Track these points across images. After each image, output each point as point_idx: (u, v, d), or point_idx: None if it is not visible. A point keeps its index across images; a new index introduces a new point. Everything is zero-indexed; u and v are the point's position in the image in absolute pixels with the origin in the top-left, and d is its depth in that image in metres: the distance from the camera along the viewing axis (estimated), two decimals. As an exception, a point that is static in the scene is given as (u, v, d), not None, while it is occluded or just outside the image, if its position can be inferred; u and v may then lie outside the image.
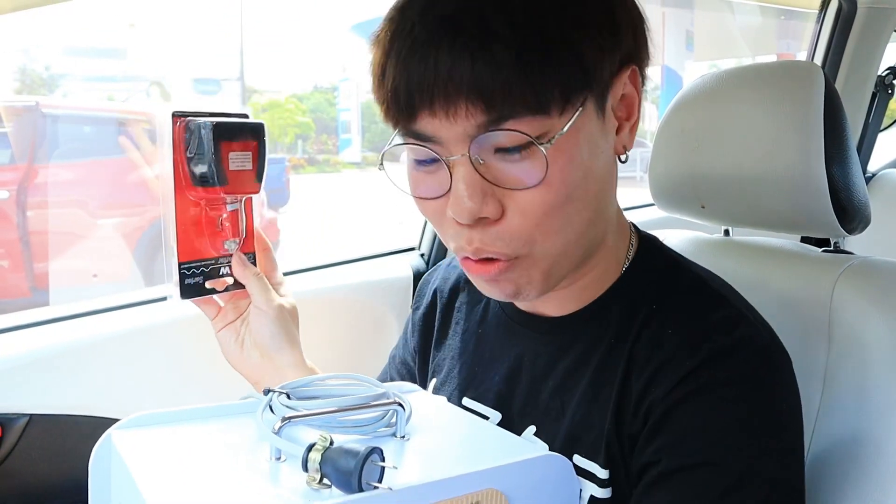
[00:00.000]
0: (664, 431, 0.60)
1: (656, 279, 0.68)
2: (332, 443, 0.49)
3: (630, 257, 0.70)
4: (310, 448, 0.49)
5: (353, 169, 9.91)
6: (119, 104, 5.29)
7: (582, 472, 0.63)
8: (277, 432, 0.53)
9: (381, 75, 0.58)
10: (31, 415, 0.91)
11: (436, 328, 0.83)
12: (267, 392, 0.59)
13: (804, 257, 0.85)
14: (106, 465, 0.59)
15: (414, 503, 0.50)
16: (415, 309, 0.88)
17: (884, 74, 1.67)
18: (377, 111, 0.61)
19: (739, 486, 0.57)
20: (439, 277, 0.86)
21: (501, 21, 0.54)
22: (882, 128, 1.70)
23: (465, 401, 0.75)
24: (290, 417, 0.53)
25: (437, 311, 0.84)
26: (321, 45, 10.90)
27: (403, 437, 0.59)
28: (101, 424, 0.61)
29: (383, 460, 0.49)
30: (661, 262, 0.70)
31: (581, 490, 0.62)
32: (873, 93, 1.66)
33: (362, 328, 1.14)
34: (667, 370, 0.61)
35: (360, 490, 0.47)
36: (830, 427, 0.73)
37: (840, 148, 0.78)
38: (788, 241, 0.93)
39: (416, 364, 0.85)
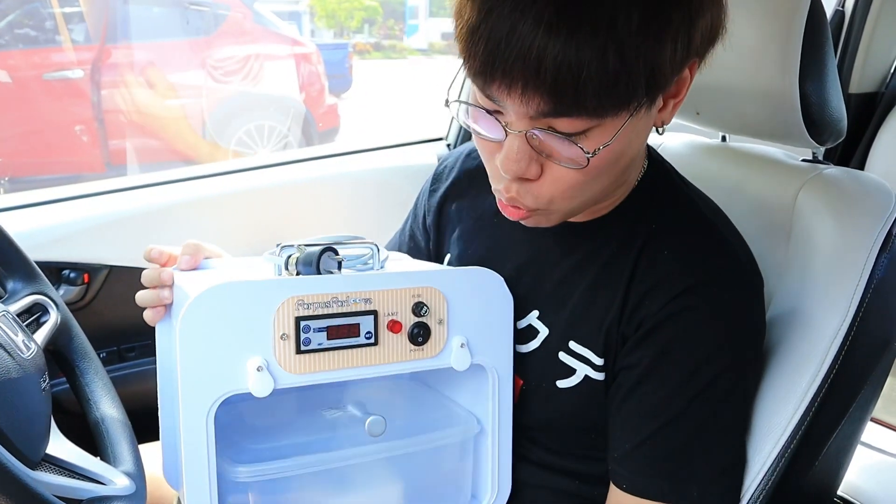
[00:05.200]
0: (650, 342, 0.71)
1: (657, 201, 0.76)
2: (305, 252, 0.67)
3: (639, 178, 0.77)
4: (288, 257, 0.68)
5: (419, 56, 9.76)
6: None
7: (577, 356, 0.76)
8: (277, 255, 0.70)
9: (474, 31, 0.59)
10: (112, 266, 1.09)
11: (451, 212, 0.94)
12: (278, 245, 0.74)
13: (782, 165, 0.94)
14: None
15: (361, 287, 0.67)
16: (432, 190, 0.97)
17: None
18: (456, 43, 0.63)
19: (704, 387, 0.69)
20: (458, 166, 0.95)
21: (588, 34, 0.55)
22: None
23: None
24: (286, 245, 0.70)
25: (455, 198, 0.94)
26: (389, -75, 10.53)
27: (378, 270, 0.74)
28: (170, 277, 0.78)
29: (337, 255, 0.67)
30: (665, 184, 0.78)
31: (576, 370, 0.76)
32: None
33: (388, 208, 1.27)
34: (661, 287, 0.71)
35: (319, 274, 0.66)
36: (776, 315, 0.84)
37: (817, 65, 0.84)
38: (779, 149, 1.00)
39: (432, 239, 0.97)
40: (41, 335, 0.79)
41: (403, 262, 0.85)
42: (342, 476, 0.72)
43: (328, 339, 0.66)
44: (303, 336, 0.65)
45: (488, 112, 0.64)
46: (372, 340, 0.68)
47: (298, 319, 0.64)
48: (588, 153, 0.62)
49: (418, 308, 0.69)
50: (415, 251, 0.98)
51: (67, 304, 1.05)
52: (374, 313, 0.67)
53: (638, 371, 0.71)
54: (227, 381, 0.63)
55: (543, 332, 0.78)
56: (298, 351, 0.65)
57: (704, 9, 0.62)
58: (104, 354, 1.13)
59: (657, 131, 0.70)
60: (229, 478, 0.65)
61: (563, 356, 0.76)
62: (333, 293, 0.66)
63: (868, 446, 1.36)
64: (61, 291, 1.14)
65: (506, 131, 0.64)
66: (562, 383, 0.76)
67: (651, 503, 0.70)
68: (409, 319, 0.69)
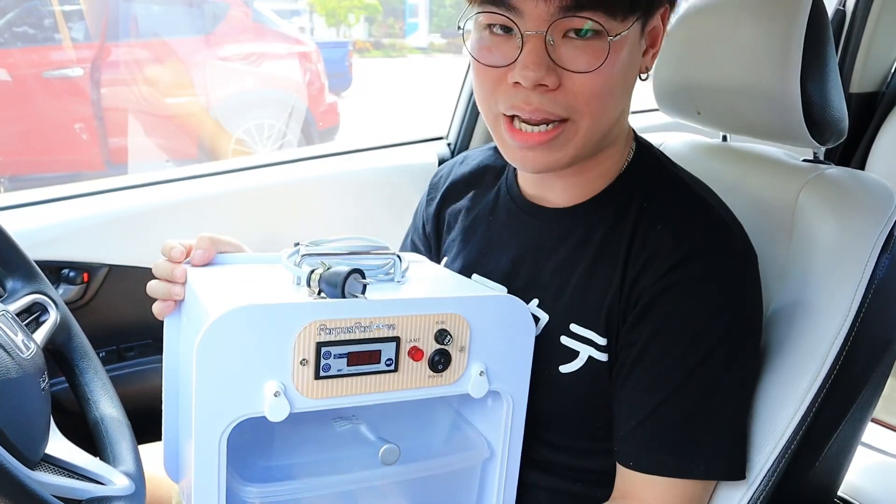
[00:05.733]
0: (648, 317, 0.72)
1: (648, 180, 0.79)
2: (329, 268, 0.65)
3: (628, 159, 0.80)
4: (311, 271, 0.65)
5: (419, 54, 9.76)
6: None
7: (580, 338, 0.76)
8: (298, 265, 0.68)
9: None
10: (111, 265, 1.09)
11: (448, 217, 0.95)
12: (296, 244, 0.72)
13: (783, 165, 0.93)
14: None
15: (385, 312, 0.65)
16: (429, 200, 0.98)
17: None
18: None
19: (703, 358, 0.70)
20: (452, 172, 0.97)
21: None
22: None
23: (475, 277, 0.86)
24: (307, 255, 0.68)
25: (451, 203, 0.95)
26: (388, -77, 10.51)
27: (399, 281, 0.73)
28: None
29: (364, 278, 0.64)
30: (654, 165, 0.81)
31: (579, 353, 0.76)
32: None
33: (390, 207, 1.28)
34: (655, 262, 0.72)
35: (343, 297, 0.63)
36: (777, 315, 0.84)
37: (819, 65, 0.84)
38: (780, 149, 1.00)
39: (432, 247, 0.98)
40: (40, 335, 0.79)
41: (425, 266, 0.85)
42: (351, 497, 0.71)
43: (348, 365, 0.64)
44: (323, 362, 0.63)
45: (501, 31, 0.69)
46: (392, 367, 0.66)
47: (320, 345, 0.63)
48: (611, 36, 0.67)
49: (441, 336, 0.67)
50: None
51: (67, 303, 1.05)
52: (397, 340, 0.66)
53: (638, 347, 0.72)
54: (243, 404, 0.61)
55: (544, 318, 0.79)
56: (317, 377, 0.63)
57: None
58: (104, 354, 1.13)
59: (640, 77, 0.76)
60: (239, 496, 0.64)
61: (564, 340, 0.77)
62: (357, 318, 0.64)
63: (868, 447, 1.36)
64: (61, 290, 1.14)
65: (522, 39, 0.67)
66: (565, 368, 0.76)
67: (658, 478, 0.71)
68: (430, 346, 0.67)
